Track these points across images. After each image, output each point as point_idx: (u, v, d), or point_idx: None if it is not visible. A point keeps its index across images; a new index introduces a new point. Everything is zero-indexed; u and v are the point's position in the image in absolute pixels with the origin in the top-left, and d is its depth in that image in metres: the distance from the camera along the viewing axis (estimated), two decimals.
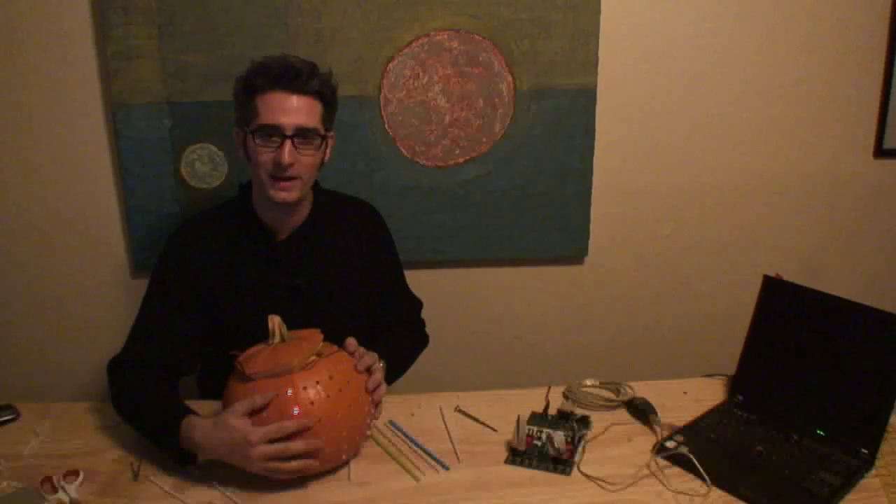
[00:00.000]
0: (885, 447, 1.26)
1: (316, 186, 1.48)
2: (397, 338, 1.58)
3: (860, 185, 2.07)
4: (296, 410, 1.16)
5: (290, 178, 1.34)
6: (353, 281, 1.51)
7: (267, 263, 1.43)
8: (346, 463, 1.25)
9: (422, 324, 1.69)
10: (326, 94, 1.38)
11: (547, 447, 1.25)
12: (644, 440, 1.32)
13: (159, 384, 1.35)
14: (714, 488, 1.17)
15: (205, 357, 1.50)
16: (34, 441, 1.34)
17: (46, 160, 1.84)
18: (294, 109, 1.32)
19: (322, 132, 1.37)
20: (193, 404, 1.30)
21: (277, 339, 1.24)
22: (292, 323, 1.27)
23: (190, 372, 1.48)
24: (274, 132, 1.32)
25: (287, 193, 1.36)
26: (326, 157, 1.43)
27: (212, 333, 1.43)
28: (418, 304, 1.69)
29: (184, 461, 1.23)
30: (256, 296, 1.42)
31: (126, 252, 1.92)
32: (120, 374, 1.36)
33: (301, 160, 1.34)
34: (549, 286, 2.07)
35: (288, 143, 1.32)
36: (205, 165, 1.83)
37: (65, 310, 1.95)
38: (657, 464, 1.25)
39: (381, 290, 1.58)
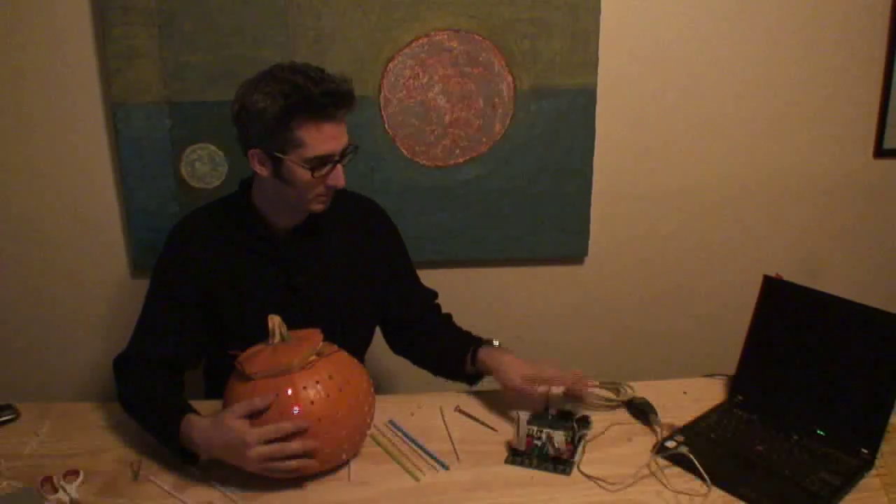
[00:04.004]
0: (885, 447, 1.26)
1: None
2: (453, 329, 1.59)
3: (860, 185, 2.07)
4: (296, 410, 1.16)
5: None
6: (355, 278, 1.50)
7: (267, 260, 1.43)
8: (346, 463, 1.25)
9: (439, 309, 1.66)
10: None
11: (547, 447, 1.25)
12: (644, 440, 1.32)
13: (163, 381, 1.35)
14: (714, 488, 1.17)
15: (208, 353, 1.50)
16: (34, 441, 1.34)
17: (46, 160, 1.84)
18: (341, 133, 1.33)
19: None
20: (198, 404, 1.31)
21: (277, 338, 1.24)
22: (293, 320, 1.27)
23: (195, 366, 1.49)
24: (328, 161, 1.32)
25: (328, 203, 1.39)
26: None
27: (213, 329, 1.43)
28: (434, 294, 1.65)
29: (186, 460, 1.23)
30: (256, 292, 1.42)
31: (126, 252, 1.92)
32: (125, 372, 1.37)
33: None
34: (549, 286, 2.07)
35: (339, 167, 1.33)
36: (205, 165, 1.83)
37: (65, 310, 1.96)
38: (657, 464, 1.25)
39: (394, 286, 1.57)
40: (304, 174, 1.31)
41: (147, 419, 1.30)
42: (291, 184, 1.33)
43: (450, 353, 1.50)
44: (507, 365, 1.40)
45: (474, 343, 1.48)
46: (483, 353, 1.44)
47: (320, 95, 1.26)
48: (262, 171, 1.34)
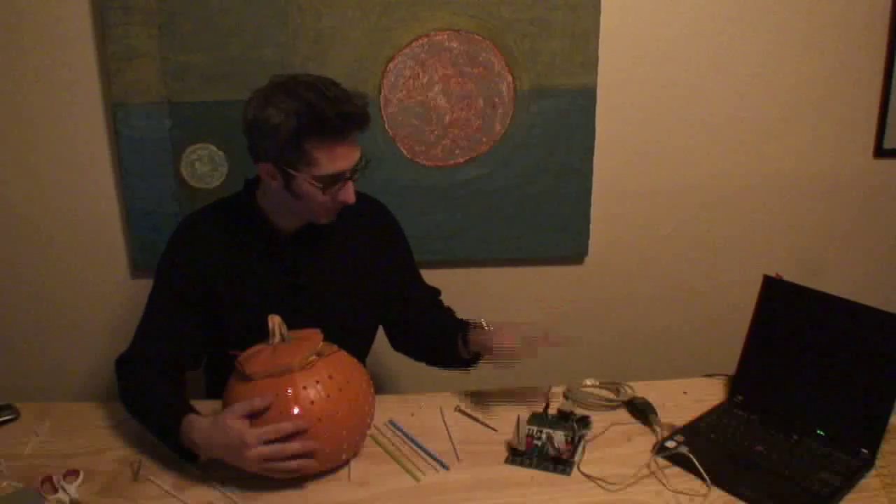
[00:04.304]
0: (885, 447, 1.26)
1: None
2: (446, 318, 1.58)
3: (860, 185, 2.07)
4: (296, 410, 1.16)
5: None
6: (358, 278, 1.50)
7: (271, 260, 1.43)
8: (346, 463, 1.25)
9: (442, 306, 1.65)
10: None
11: (547, 447, 1.25)
12: (644, 440, 1.32)
13: (164, 381, 1.35)
14: (714, 488, 1.17)
15: (210, 352, 1.50)
16: (34, 441, 1.34)
17: (46, 160, 1.84)
18: (353, 152, 1.32)
19: None
20: (199, 404, 1.31)
21: (277, 338, 1.24)
22: (295, 320, 1.27)
23: (197, 366, 1.49)
24: (339, 178, 1.32)
25: (335, 216, 1.39)
26: None
27: (215, 329, 1.43)
28: (436, 292, 1.65)
29: (187, 458, 1.23)
30: (260, 292, 1.42)
31: (126, 252, 1.92)
32: (127, 371, 1.37)
33: None
34: (549, 286, 2.07)
35: (350, 183, 1.33)
36: (205, 165, 1.83)
37: (65, 310, 1.96)
38: (657, 464, 1.25)
39: (397, 285, 1.57)
40: (314, 191, 1.31)
41: (148, 418, 1.30)
42: (301, 198, 1.33)
43: (442, 339, 1.49)
44: (496, 334, 1.39)
45: (464, 325, 1.47)
46: (473, 335, 1.43)
47: (335, 118, 1.25)
48: (272, 182, 1.34)
